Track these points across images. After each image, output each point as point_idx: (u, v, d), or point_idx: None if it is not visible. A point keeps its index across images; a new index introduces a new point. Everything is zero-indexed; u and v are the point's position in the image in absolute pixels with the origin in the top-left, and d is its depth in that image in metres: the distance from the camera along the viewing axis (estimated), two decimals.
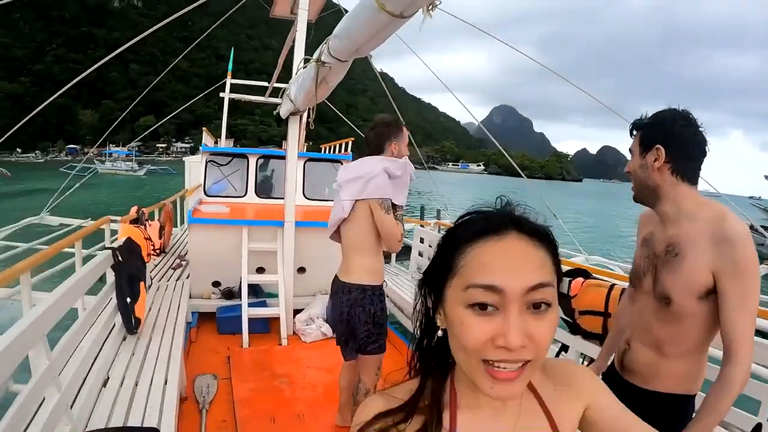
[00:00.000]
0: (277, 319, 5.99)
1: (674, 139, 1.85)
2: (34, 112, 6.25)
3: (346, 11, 3.00)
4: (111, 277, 4.11)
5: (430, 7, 2.16)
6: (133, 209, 6.81)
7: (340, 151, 9.22)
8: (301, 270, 6.58)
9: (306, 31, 5.87)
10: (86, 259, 4.49)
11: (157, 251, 7.98)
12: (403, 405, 0.90)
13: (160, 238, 8.08)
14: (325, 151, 10.04)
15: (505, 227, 0.82)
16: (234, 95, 12.32)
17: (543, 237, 0.84)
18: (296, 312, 6.23)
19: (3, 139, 6.18)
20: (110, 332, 3.91)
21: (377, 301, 3.30)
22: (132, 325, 4.07)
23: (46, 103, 6.16)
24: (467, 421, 0.90)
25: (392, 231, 3.20)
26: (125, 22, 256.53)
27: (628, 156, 2.04)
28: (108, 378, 3.34)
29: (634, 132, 1.99)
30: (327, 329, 5.91)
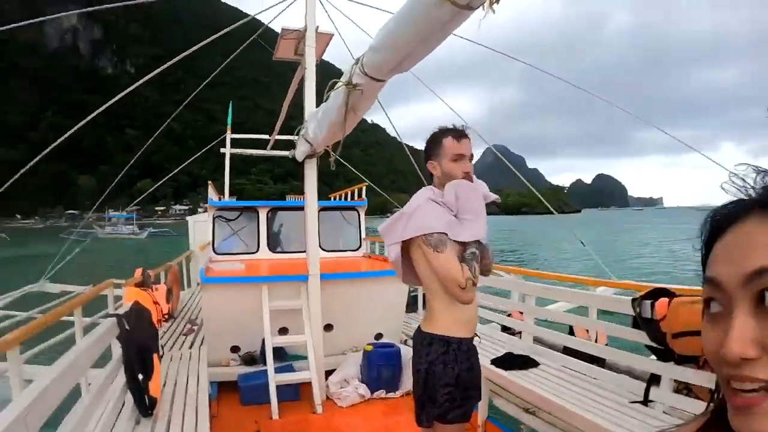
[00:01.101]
0: (306, 384, 5.34)
1: None
2: (19, 173, 5.70)
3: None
4: (118, 349, 3.56)
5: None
6: (138, 271, 6.27)
7: (352, 198, 8.68)
8: (328, 327, 5.96)
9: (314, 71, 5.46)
10: (89, 329, 3.93)
11: (166, 317, 7.40)
12: None
13: (168, 303, 7.50)
14: (336, 200, 9.55)
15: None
16: (235, 150, 11.99)
17: None
18: (327, 374, 5.61)
19: None
20: (120, 414, 3.38)
21: (464, 359, 2.58)
22: (146, 405, 3.47)
23: (30, 164, 5.67)
24: None
25: (446, 274, 2.48)
26: (117, 88, 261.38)
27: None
28: None
29: None
30: (365, 390, 5.31)
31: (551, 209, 6.95)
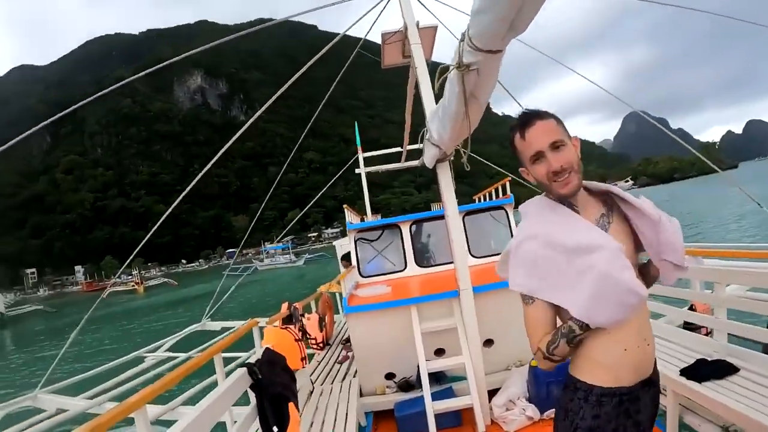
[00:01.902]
0: (469, 409, 4.84)
1: None
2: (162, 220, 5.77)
3: None
4: (253, 398, 3.33)
5: None
6: (284, 306, 6.14)
7: (497, 196, 8.09)
8: (488, 342, 5.45)
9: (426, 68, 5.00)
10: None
11: (321, 345, 7.43)
12: None
13: (321, 331, 7.41)
14: (479, 201, 9.00)
15: None
16: (369, 168, 11.90)
17: None
18: (491, 394, 5.04)
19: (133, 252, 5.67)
20: None
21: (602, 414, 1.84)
22: None
23: (166, 213, 5.67)
24: None
25: (527, 332, 1.92)
26: (253, 131, 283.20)
27: None
28: None
29: None
30: (533, 411, 4.71)
31: (713, 167, 5.92)
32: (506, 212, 7.26)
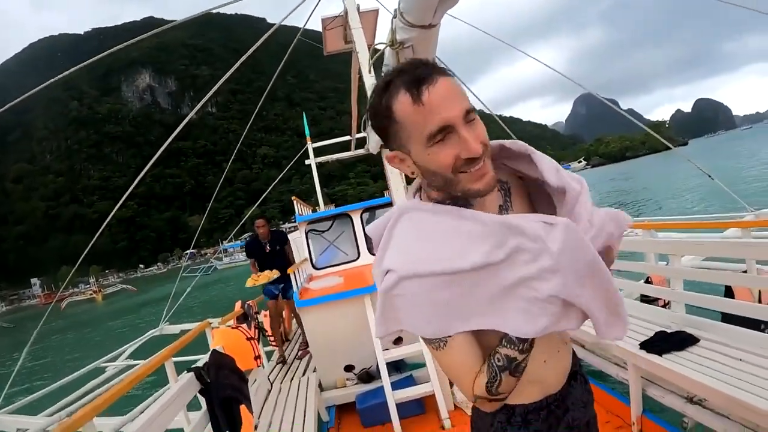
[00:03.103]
0: (431, 396, 4.78)
1: None
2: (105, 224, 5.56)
3: None
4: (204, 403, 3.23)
5: None
6: (237, 304, 6.07)
7: None
8: None
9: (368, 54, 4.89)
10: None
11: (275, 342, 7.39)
12: None
13: (279, 328, 7.42)
14: None
15: None
16: (320, 158, 11.76)
17: None
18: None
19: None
20: None
21: None
22: None
23: (111, 214, 5.45)
24: None
25: (452, 378, 1.34)
26: (205, 129, 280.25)
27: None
28: None
29: None
30: None
31: (666, 143, 5.97)
32: None
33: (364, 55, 4.77)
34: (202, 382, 3.18)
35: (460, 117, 1.11)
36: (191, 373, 3.20)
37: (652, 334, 3.79)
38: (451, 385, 4.89)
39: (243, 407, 3.33)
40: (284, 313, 8.10)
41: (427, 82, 1.11)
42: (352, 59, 5.58)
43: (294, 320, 8.64)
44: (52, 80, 4.35)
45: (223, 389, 3.25)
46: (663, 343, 3.57)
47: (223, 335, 4.06)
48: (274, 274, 6.79)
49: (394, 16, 2.50)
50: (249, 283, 6.76)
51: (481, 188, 1.17)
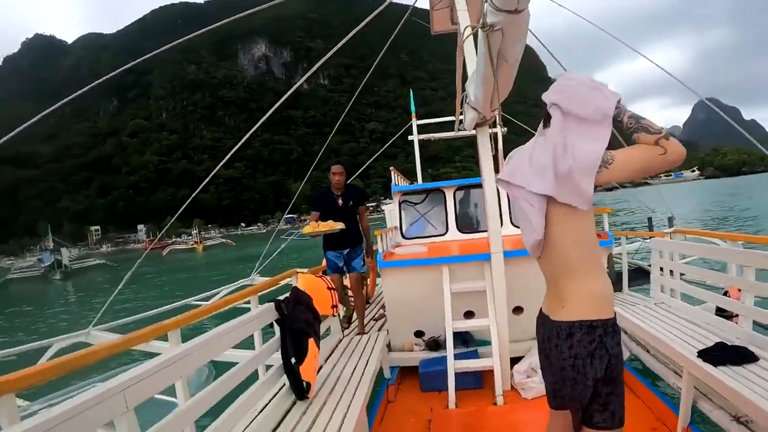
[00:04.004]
0: (490, 372, 4.92)
1: None
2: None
3: None
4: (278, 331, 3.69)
5: None
6: (324, 261, 6.40)
7: None
8: (518, 310, 5.47)
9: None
10: None
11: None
12: None
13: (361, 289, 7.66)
14: None
15: None
16: (423, 135, 11.96)
17: None
18: (514, 361, 5.08)
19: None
20: (277, 394, 3.55)
21: (613, 344, 1.95)
22: (302, 389, 3.50)
23: (210, 175, 5.89)
24: None
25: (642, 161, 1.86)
26: (316, 100, 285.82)
27: None
28: None
29: None
30: None
31: None
32: None
33: (467, 33, 4.93)
34: (280, 313, 3.61)
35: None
36: (272, 303, 3.62)
37: (712, 344, 3.71)
38: (512, 365, 5.01)
39: (311, 341, 3.67)
40: (369, 278, 8.39)
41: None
42: (458, 40, 5.71)
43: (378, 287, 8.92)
44: (175, 42, 4.75)
45: (297, 322, 3.64)
46: (721, 354, 3.48)
47: (307, 279, 4.38)
48: (339, 225, 5.74)
49: (485, 0, 2.67)
50: (307, 229, 5.76)
51: None
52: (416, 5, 6.64)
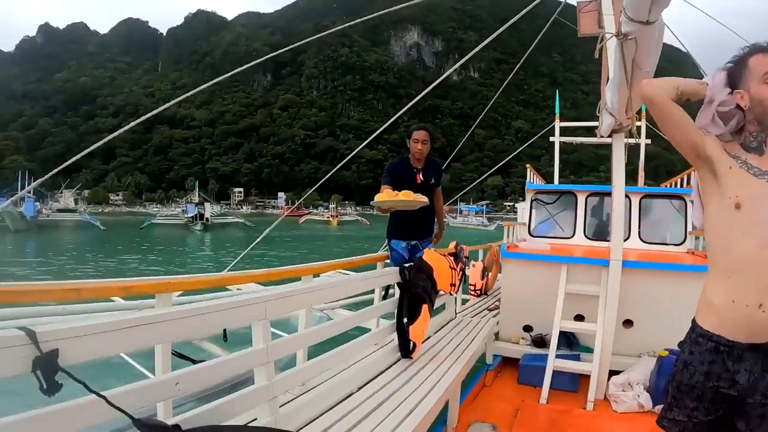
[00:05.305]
0: (587, 377, 4.92)
1: None
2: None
3: None
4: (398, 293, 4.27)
5: None
6: (452, 243, 6.64)
7: (682, 185, 7.68)
8: (628, 323, 5.34)
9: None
10: None
11: (478, 292, 8.02)
12: None
13: (482, 279, 8.08)
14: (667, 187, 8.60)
15: None
16: (564, 138, 11.82)
17: None
18: (613, 374, 5.00)
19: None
20: (384, 346, 4.02)
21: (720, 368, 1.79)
22: (408, 348, 3.91)
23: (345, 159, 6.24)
24: None
25: None
26: (464, 92, 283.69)
27: None
28: (359, 389, 3.25)
29: None
30: (646, 400, 4.57)
31: None
32: (685, 202, 6.88)
33: (611, 42, 4.93)
34: (403, 278, 4.13)
35: None
36: (397, 267, 4.26)
37: None
38: (610, 376, 4.94)
39: (425, 306, 4.09)
40: (492, 271, 8.59)
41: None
42: (597, 44, 5.69)
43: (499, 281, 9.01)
44: (330, 30, 5.19)
45: (415, 287, 4.10)
46: None
47: (432, 255, 4.57)
48: (422, 199, 4.34)
49: (623, 9, 2.76)
50: (380, 197, 4.49)
51: None
52: (568, 0, 6.63)
